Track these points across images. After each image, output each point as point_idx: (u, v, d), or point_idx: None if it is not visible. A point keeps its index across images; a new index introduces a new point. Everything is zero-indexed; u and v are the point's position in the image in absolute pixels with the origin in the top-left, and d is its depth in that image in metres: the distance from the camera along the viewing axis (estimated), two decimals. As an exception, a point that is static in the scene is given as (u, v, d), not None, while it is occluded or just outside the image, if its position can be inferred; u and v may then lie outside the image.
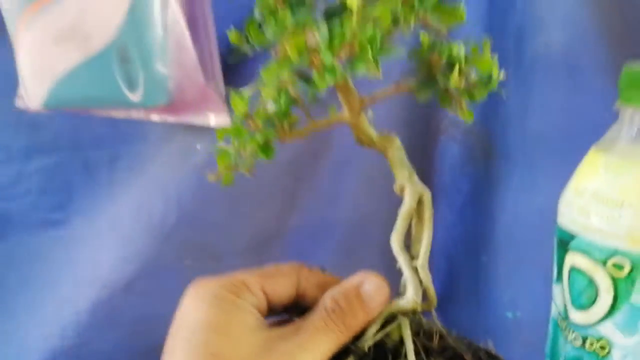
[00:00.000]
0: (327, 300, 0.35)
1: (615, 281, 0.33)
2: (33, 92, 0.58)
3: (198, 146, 0.67)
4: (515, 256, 0.73)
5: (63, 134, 0.65)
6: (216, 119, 0.59)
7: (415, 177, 0.36)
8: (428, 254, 0.36)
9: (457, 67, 0.32)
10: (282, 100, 0.33)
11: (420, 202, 0.37)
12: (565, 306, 0.37)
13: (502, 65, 0.68)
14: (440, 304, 0.84)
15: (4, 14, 0.56)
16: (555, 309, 0.39)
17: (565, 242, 0.36)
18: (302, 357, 0.33)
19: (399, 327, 0.36)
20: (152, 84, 0.56)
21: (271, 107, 0.34)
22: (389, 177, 0.76)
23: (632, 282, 0.33)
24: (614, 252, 0.33)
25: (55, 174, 0.67)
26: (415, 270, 0.36)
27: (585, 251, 0.34)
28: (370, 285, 0.36)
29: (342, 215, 0.73)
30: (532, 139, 0.69)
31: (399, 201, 0.81)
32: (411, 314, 0.36)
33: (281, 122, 0.35)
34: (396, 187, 0.37)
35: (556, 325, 0.38)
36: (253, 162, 0.36)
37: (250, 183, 0.68)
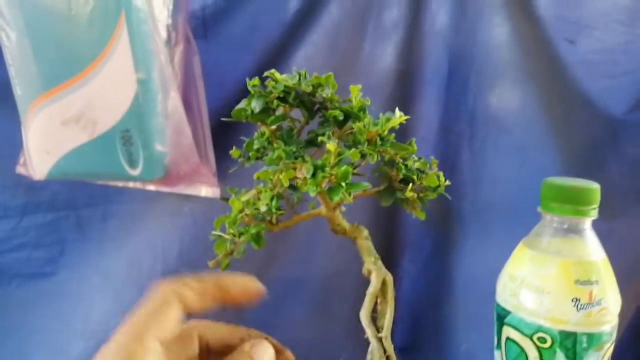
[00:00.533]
0: None
1: (540, 351, 0.41)
2: (37, 166, 0.65)
3: (185, 209, 0.74)
4: (472, 310, 0.81)
5: (59, 194, 0.71)
6: (206, 190, 0.67)
7: (380, 263, 0.44)
8: (390, 327, 0.44)
9: (410, 185, 0.41)
10: (274, 203, 0.40)
11: (384, 284, 0.44)
12: (503, 369, 0.45)
13: (457, 142, 0.78)
14: (404, 352, 0.92)
15: (17, 97, 0.62)
16: (495, 371, 0.47)
17: (502, 316, 0.44)
18: None
19: (367, 390, 0.43)
20: (151, 161, 0.63)
21: (264, 208, 0.41)
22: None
23: (554, 353, 0.41)
24: (538, 329, 0.41)
25: (49, 231, 0.72)
26: (380, 340, 0.43)
27: (517, 326, 0.42)
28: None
29: (316, 271, 0.80)
30: (484, 207, 0.78)
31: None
32: (377, 379, 0.43)
33: (270, 217, 0.43)
34: (364, 270, 0.45)
35: (496, 384, 0.46)
36: (245, 248, 0.43)
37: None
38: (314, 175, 0.34)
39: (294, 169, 0.35)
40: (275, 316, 0.80)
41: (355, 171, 0.38)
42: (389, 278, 0.44)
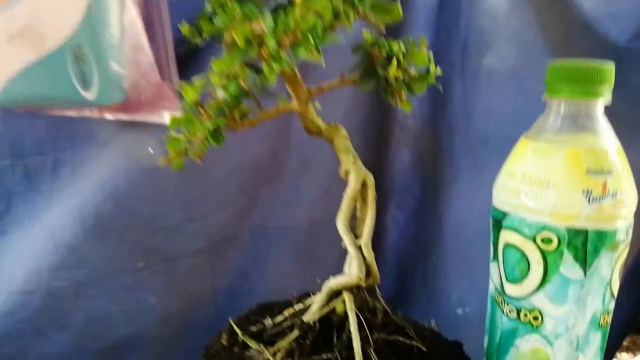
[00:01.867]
0: None
1: (544, 254, 0.36)
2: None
3: (150, 149, 0.67)
4: (463, 255, 0.76)
5: (3, 138, 0.63)
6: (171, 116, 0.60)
7: (359, 162, 0.38)
8: (371, 233, 0.38)
9: (394, 60, 0.35)
10: (232, 88, 0.34)
11: (364, 185, 0.38)
12: (500, 281, 0.39)
13: (448, 73, 0.73)
14: (392, 302, 0.87)
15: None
16: (492, 286, 0.41)
17: (498, 221, 0.38)
18: None
19: (344, 302, 0.37)
20: (107, 83, 0.56)
21: (221, 94, 0.35)
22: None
23: (560, 255, 0.35)
24: (542, 228, 0.35)
25: None
26: (359, 248, 0.38)
27: (517, 228, 0.37)
28: None
29: (301, 218, 0.74)
30: (477, 141, 0.72)
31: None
32: (355, 290, 0.38)
33: (232, 112, 0.37)
34: (341, 171, 0.39)
35: (493, 301, 0.41)
36: (203, 148, 0.37)
37: (209, 185, 0.70)
38: (275, 28, 0.28)
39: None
40: (259, 266, 0.74)
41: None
42: (370, 179, 0.38)
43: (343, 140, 0.39)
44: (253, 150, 0.69)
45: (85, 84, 0.56)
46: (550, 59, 0.64)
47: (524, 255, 0.37)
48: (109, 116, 0.60)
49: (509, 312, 0.38)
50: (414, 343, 0.39)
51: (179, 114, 0.53)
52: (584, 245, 0.35)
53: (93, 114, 0.61)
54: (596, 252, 0.35)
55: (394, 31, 0.70)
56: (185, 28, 0.36)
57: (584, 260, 0.35)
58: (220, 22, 0.31)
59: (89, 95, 0.57)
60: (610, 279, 0.37)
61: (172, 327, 0.74)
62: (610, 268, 0.36)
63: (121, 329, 0.71)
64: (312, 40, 0.28)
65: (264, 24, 0.29)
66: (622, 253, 0.36)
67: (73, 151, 0.65)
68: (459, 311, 0.78)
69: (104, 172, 0.66)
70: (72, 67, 0.56)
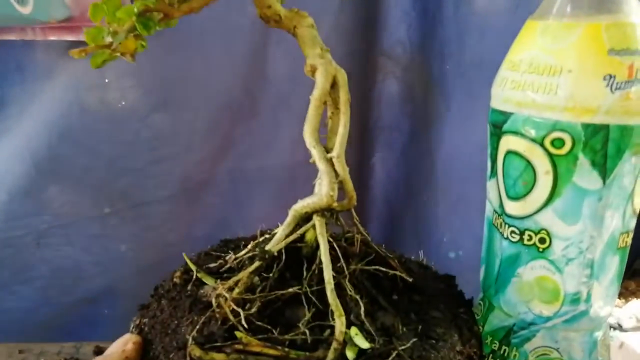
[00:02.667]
0: None
1: (554, 161, 0.29)
2: None
3: (107, 79, 0.60)
4: (455, 193, 0.70)
5: None
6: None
7: (328, 56, 0.31)
8: (345, 143, 0.31)
9: None
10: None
11: (335, 85, 0.31)
12: (500, 200, 0.33)
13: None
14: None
15: None
16: (489, 208, 0.35)
17: (498, 125, 0.32)
18: None
19: (314, 227, 0.31)
20: (44, -5, 0.49)
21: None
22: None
23: (574, 160, 0.29)
24: (553, 127, 0.29)
25: None
26: (330, 162, 0.31)
27: (521, 131, 0.30)
28: None
29: (279, 160, 0.68)
30: (470, 66, 0.65)
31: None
32: (327, 213, 0.31)
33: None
34: (306, 68, 0.32)
35: (490, 225, 0.34)
36: (132, 42, 0.30)
37: (179, 123, 0.63)
38: None
39: None
40: (237, 212, 0.68)
41: None
42: (342, 75, 0.31)
43: (308, 30, 0.32)
44: (225, 84, 0.63)
45: (21, -2, 0.49)
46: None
47: (529, 164, 0.30)
48: (52, 37, 0.53)
49: (510, 234, 0.32)
50: (398, 274, 0.32)
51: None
52: (603, 146, 0.28)
53: (36, 36, 0.53)
54: (619, 154, 0.28)
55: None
56: None
57: (603, 165, 0.28)
58: None
59: (25, 9, 0.49)
60: (633, 190, 0.30)
61: (146, 280, 0.68)
62: (633, 176, 0.29)
63: (92, 280, 0.67)
64: None
65: None
66: (649, 159, 0.30)
67: (21, 85, 0.58)
68: (452, 255, 0.73)
69: (55, 107, 0.59)
70: (5, -23, 0.48)
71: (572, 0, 0.29)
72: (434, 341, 0.29)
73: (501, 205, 0.33)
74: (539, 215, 0.31)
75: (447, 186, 0.71)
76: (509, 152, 0.31)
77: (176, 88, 0.62)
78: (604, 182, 0.29)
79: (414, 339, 0.29)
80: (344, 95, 0.31)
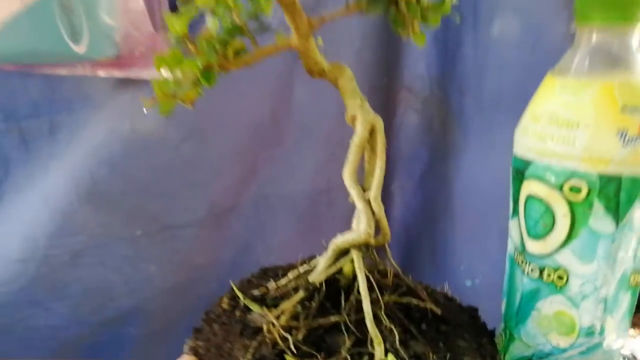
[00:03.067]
0: None
1: (572, 206, 0.32)
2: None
3: (145, 110, 0.64)
4: (472, 223, 0.73)
5: None
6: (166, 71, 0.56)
7: (367, 105, 0.35)
8: (381, 185, 0.35)
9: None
10: (220, 13, 0.31)
11: (372, 132, 0.35)
12: (521, 239, 0.36)
13: (459, 27, 0.68)
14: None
15: None
16: (511, 245, 0.38)
17: (521, 171, 0.35)
18: None
19: (352, 261, 0.34)
20: (97, 35, 0.53)
21: (212, 26, 0.32)
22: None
23: (590, 205, 0.32)
24: (571, 175, 0.32)
25: None
26: (368, 202, 0.34)
27: (542, 177, 0.33)
28: None
29: (303, 187, 0.71)
30: (489, 102, 0.68)
31: (361, 174, 0.79)
32: (364, 248, 0.34)
33: (224, 48, 0.33)
34: (347, 117, 0.35)
35: (512, 261, 0.37)
36: (195, 91, 0.33)
37: (208, 150, 0.66)
38: None
39: None
40: (260, 237, 0.71)
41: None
42: (379, 123, 0.35)
43: (349, 82, 0.35)
44: (252, 113, 0.66)
45: (75, 36, 0.53)
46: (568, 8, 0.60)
47: (548, 208, 0.33)
48: (102, 73, 0.57)
49: (531, 271, 0.35)
50: (427, 305, 0.35)
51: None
52: (616, 193, 0.31)
53: (86, 71, 0.57)
54: (630, 201, 0.31)
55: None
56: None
57: (616, 211, 0.31)
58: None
59: (79, 48, 0.53)
60: (644, 233, 0.33)
61: (174, 301, 0.71)
62: (644, 220, 0.32)
63: (121, 300, 0.69)
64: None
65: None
66: (659, 204, 0.33)
67: (70, 113, 0.62)
68: (468, 283, 0.75)
69: (99, 135, 0.63)
70: (60, 17, 0.52)
71: (588, 60, 0.33)
72: (462, 368, 0.32)
73: (522, 243, 0.36)
74: (557, 254, 0.33)
75: (464, 216, 0.73)
76: (530, 196, 0.34)
77: (206, 118, 0.66)
78: (617, 226, 0.32)
79: (444, 366, 0.31)
80: (380, 142, 0.35)
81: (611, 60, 0.32)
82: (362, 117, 0.34)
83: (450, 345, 0.34)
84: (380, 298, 0.33)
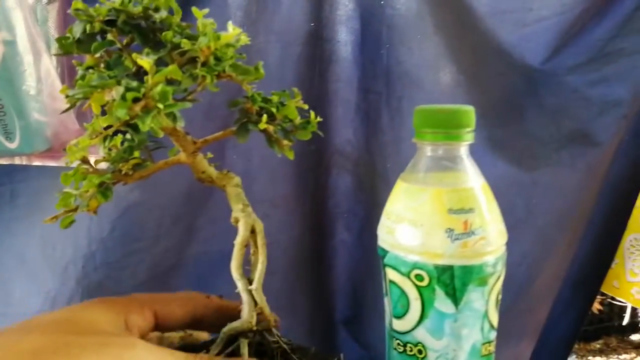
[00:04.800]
0: None
1: (420, 290, 0.38)
2: None
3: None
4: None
5: None
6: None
7: (249, 209, 0.40)
8: (262, 278, 0.40)
9: (264, 115, 0.37)
10: (107, 143, 0.36)
11: (254, 232, 0.40)
12: (390, 316, 0.41)
13: (377, 102, 0.75)
14: (348, 325, 0.88)
15: None
16: (386, 319, 0.43)
17: (382, 257, 0.40)
18: None
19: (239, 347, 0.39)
20: (29, 133, 0.58)
21: (103, 153, 0.37)
22: (285, 207, 0.80)
23: (433, 291, 0.37)
24: (414, 266, 0.37)
25: None
26: (250, 293, 0.39)
27: (394, 266, 0.39)
28: None
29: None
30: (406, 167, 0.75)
31: (298, 230, 0.84)
32: (250, 334, 0.39)
33: (122, 166, 0.39)
34: (232, 219, 0.41)
35: (387, 334, 0.43)
36: (96, 202, 0.39)
37: (150, 217, 0.71)
38: (124, 97, 0.30)
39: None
40: (202, 289, 0.75)
41: (190, 97, 0.34)
42: (259, 225, 0.40)
43: (234, 189, 0.41)
44: (185, 179, 0.71)
45: (8, 135, 0.58)
46: (462, 88, 0.67)
47: (403, 292, 0.39)
48: (37, 162, 0.62)
49: (397, 345, 0.40)
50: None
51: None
52: (451, 281, 0.37)
53: (22, 161, 0.62)
54: (464, 287, 0.37)
55: (324, 64, 0.73)
56: (64, 90, 0.37)
57: (454, 295, 0.37)
58: (80, 91, 0.32)
59: (13, 145, 0.58)
60: (486, 311, 0.38)
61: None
62: (483, 300, 0.38)
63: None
64: (162, 109, 0.30)
65: (115, 93, 0.30)
66: (496, 284, 0.38)
67: (27, 183, 0.67)
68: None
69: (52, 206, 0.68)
70: (-7, 120, 0.57)
71: (425, 169, 0.39)
72: None
73: (390, 321, 0.41)
74: (415, 331, 0.39)
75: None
76: (390, 281, 0.40)
77: (142, 191, 0.71)
78: (457, 308, 0.37)
79: None
80: (260, 240, 0.40)
81: (443, 168, 0.38)
82: (243, 220, 0.40)
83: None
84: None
